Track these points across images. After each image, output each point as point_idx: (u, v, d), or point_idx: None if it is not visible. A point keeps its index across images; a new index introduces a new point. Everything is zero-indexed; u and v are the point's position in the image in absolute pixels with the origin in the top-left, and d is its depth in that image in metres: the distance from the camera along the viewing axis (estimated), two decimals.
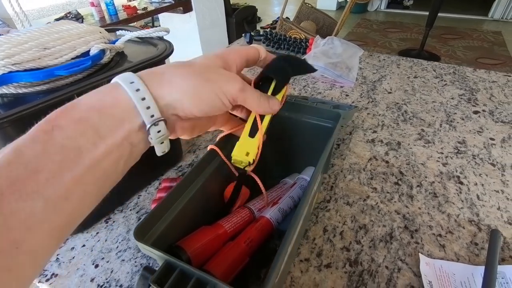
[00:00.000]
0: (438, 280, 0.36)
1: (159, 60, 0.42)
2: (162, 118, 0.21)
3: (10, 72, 0.34)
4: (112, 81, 0.21)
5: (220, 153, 0.35)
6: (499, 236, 0.39)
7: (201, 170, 0.35)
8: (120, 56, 0.44)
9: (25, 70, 0.35)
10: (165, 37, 0.48)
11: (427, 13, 2.51)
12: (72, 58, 0.38)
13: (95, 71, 0.41)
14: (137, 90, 0.20)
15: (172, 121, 0.23)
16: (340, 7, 4.35)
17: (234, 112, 0.32)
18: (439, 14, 2.65)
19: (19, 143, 0.17)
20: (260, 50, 0.29)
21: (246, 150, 0.29)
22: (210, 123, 0.30)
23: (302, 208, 0.29)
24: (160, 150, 0.23)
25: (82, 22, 1.72)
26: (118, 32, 0.50)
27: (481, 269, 0.36)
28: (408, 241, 0.41)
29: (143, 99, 0.20)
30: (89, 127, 0.19)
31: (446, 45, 3.06)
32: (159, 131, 0.21)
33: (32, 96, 0.36)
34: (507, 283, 0.35)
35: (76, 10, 1.84)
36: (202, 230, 0.32)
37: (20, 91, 0.36)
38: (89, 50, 0.40)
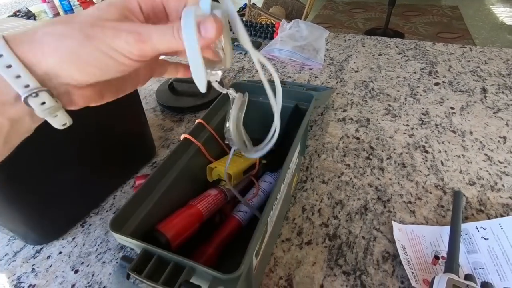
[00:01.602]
0: (410, 243, 0.39)
1: None
2: (43, 89, 0.18)
3: None
4: None
5: (194, 140, 0.37)
6: (461, 196, 0.42)
7: (177, 157, 0.35)
8: None
9: None
10: None
11: None
12: None
13: None
14: (0, 56, 0.17)
15: (64, 90, 0.19)
16: None
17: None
18: None
19: None
20: None
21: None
22: (128, 83, 0.24)
23: (275, 189, 0.29)
24: (57, 123, 0.20)
25: (35, 20, 1.60)
26: None
27: (447, 229, 0.39)
28: (382, 211, 0.44)
29: (9, 66, 0.17)
30: None
31: (409, 22, 3.16)
32: (43, 103, 0.18)
33: None
34: (470, 238, 0.38)
35: (27, 8, 1.71)
36: (178, 212, 0.33)
37: None
38: None
